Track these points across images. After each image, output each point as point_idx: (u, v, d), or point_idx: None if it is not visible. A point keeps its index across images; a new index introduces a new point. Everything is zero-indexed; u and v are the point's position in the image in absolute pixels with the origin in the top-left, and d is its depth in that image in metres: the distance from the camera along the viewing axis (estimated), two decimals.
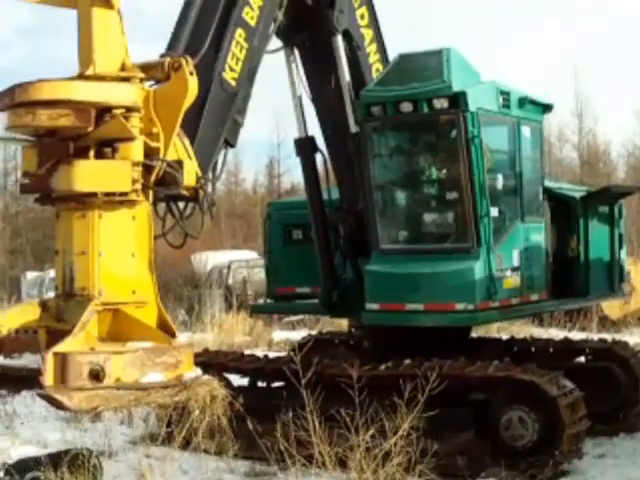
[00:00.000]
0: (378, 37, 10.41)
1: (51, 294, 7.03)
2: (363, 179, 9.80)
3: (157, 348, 6.08)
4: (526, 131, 10.18)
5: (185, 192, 6.84)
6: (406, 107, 9.36)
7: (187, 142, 6.98)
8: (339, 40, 9.89)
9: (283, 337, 19.80)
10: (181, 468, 8.47)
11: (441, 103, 9.22)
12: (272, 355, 11.13)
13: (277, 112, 45.89)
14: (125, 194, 6.24)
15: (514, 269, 9.71)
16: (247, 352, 11.81)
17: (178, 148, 6.78)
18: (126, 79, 6.41)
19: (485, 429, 8.84)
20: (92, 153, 6.22)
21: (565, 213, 10.79)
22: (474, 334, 11.90)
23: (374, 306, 9.55)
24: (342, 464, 7.39)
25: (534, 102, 10.31)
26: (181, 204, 7.22)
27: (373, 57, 10.37)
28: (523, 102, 10.05)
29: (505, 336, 12.78)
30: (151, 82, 6.71)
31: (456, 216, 9.63)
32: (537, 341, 11.42)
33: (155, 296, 6.45)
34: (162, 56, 6.99)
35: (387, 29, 10.40)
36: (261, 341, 19.63)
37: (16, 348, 6.29)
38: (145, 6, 67.78)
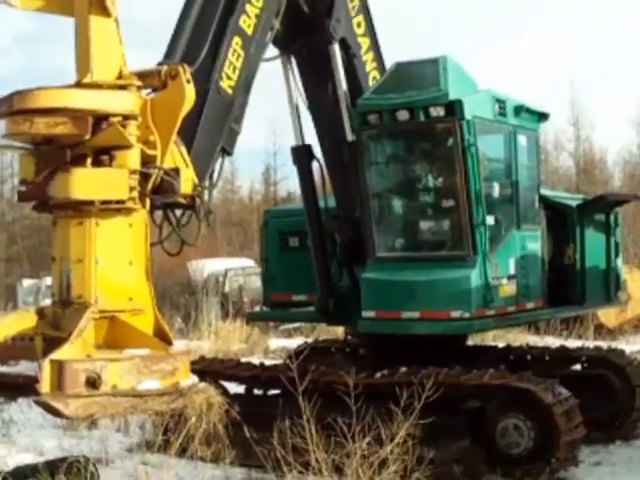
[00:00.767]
0: (375, 45, 10.45)
1: (47, 301, 7.04)
2: (359, 187, 9.82)
3: (154, 356, 6.07)
4: (522, 139, 10.21)
5: (182, 200, 6.84)
6: (402, 115, 9.39)
7: (184, 150, 6.97)
8: (336, 48, 9.92)
9: (279, 345, 19.76)
10: (177, 476, 8.42)
11: (437, 111, 9.24)
12: (268, 363, 11.12)
13: (274, 120, 46.03)
14: (122, 202, 6.24)
15: (510, 277, 9.73)
16: (243, 360, 11.74)
17: (175, 156, 6.78)
18: (123, 87, 6.41)
19: (481, 437, 8.84)
20: (89, 161, 6.22)
21: (561, 221, 10.81)
22: (470, 342, 11.92)
23: (370, 314, 9.55)
24: (338, 471, 7.38)
25: (530, 110, 10.34)
26: (178, 212, 7.22)
27: (370, 65, 10.40)
28: (519, 110, 10.08)
29: (501, 344, 12.75)
30: (148, 90, 6.71)
31: (452, 224, 9.64)
32: (533, 349, 11.43)
33: (152, 304, 6.44)
34: (159, 64, 6.98)
35: (384, 37, 10.48)
36: (257, 349, 19.57)
37: (12, 355, 6.29)
38: (142, 14, 67.86)
